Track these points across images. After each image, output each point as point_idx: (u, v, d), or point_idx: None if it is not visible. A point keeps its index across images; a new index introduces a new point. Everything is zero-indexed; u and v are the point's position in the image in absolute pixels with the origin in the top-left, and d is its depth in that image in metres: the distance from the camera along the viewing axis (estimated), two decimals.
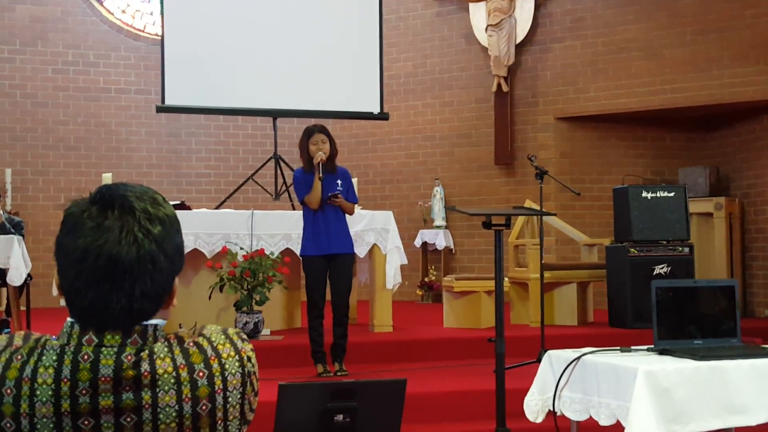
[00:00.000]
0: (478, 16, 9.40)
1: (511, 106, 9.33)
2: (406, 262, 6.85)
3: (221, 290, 6.00)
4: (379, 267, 6.63)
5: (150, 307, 1.30)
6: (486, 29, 9.30)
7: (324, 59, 7.92)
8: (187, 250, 1.34)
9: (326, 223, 5.29)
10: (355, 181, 5.86)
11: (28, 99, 9.61)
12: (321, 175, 5.23)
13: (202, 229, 6.26)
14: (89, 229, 1.26)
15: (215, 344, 1.34)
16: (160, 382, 1.27)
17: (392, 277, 6.61)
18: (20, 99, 9.60)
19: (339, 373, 5.32)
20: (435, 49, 9.83)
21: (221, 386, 1.32)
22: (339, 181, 5.37)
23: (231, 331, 1.40)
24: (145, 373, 1.26)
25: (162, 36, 7.75)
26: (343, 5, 8.08)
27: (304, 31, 7.91)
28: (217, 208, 7.40)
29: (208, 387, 1.30)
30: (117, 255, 1.25)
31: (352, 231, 5.56)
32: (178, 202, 6.64)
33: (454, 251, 9.70)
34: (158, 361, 1.28)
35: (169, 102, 7.64)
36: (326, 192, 5.27)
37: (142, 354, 1.28)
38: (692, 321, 3.37)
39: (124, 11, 10.25)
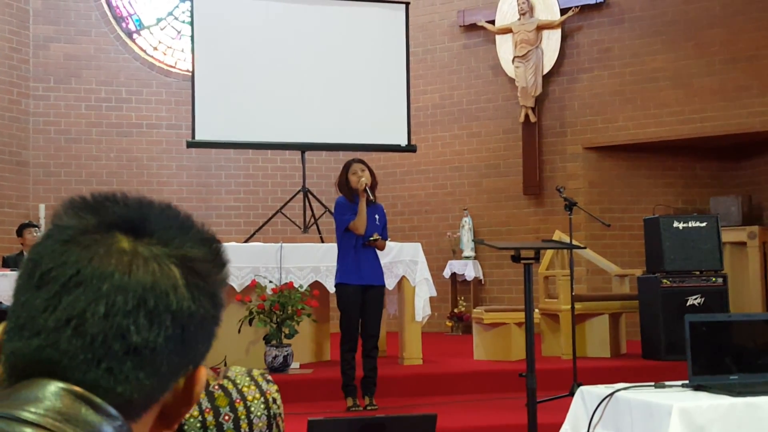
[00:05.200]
0: (505, 48, 9.43)
1: (539, 136, 9.31)
2: (435, 293, 6.83)
3: (250, 324, 6.01)
4: (408, 299, 6.60)
5: None
6: (513, 60, 9.32)
7: (351, 93, 7.98)
8: None
9: (365, 254, 5.35)
10: None
11: (61, 135, 9.78)
12: (372, 196, 5.28)
13: (231, 262, 6.26)
14: None
15: (240, 387, 1.34)
16: (186, 427, 1.27)
17: (421, 309, 6.58)
18: (54, 135, 9.77)
19: (369, 408, 5.29)
20: (462, 80, 9.86)
21: (247, 429, 1.31)
22: (377, 216, 5.40)
23: (256, 372, 1.39)
24: None
25: (192, 72, 7.86)
26: (370, 39, 8.15)
27: (331, 66, 7.99)
28: (246, 241, 7.44)
29: (234, 431, 1.30)
30: None
31: (380, 263, 5.57)
32: None
33: (483, 282, 9.64)
34: None
35: (199, 136, 7.73)
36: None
37: None
38: (728, 355, 3.30)
39: (155, 48, 10.42)
